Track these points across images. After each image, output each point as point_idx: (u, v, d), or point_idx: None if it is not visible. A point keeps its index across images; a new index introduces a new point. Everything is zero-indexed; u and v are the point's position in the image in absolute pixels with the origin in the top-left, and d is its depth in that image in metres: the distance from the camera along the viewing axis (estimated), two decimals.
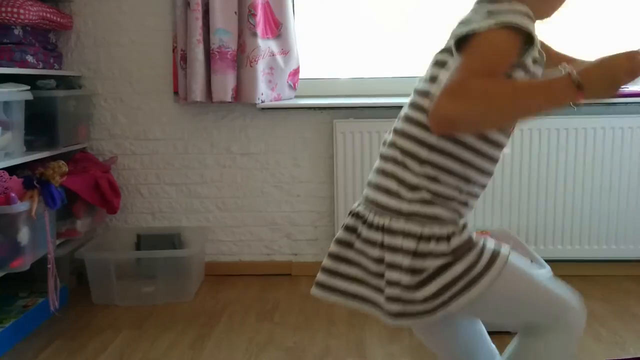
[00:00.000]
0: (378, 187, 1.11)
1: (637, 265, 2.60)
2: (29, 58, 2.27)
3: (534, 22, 1.00)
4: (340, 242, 1.15)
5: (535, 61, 1.03)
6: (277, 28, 2.49)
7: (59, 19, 2.42)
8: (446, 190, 1.06)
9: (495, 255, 1.05)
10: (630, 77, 0.95)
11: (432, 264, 1.03)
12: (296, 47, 2.56)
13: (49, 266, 2.10)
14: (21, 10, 2.14)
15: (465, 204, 1.10)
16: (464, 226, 1.08)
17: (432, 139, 1.04)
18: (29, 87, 2.15)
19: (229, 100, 2.44)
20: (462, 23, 1.03)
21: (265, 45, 2.46)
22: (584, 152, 2.50)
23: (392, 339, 2.06)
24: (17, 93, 2.10)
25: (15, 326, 2.06)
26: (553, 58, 1.21)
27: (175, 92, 2.54)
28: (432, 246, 1.03)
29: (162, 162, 2.68)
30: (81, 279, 2.53)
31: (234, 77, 2.44)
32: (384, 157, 1.13)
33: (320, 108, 2.58)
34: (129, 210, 2.71)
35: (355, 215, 1.13)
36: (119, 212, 2.58)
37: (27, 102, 2.14)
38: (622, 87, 0.98)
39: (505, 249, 1.06)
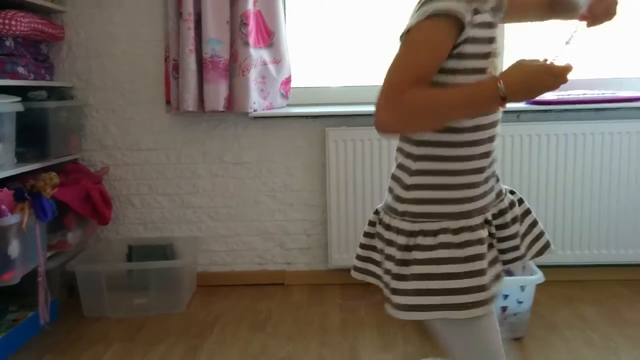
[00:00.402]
0: (389, 189, 1.18)
1: (628, 270, 2.61)
2: (20, 69, 2.26)
3: None
4: (366, 234, 1.25)
5: (486, 24, 1.04)
6: (269, 37, 2.50)
7: (50, 30, 2.41)
8: (436, 190, 1.10)
9: (488, 300, 1.07)
10: (550, 91, 1.01)
11: (417, 255, 1.08)
12: (288, 56, 2.56)
13: (39, 279, 2.08)
14: (12, 22, 2.13)
15: (469, 199, 1.10)
16: (472, 228, 1.08)
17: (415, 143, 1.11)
18: (20, 99, 2.14)
19: (222, 109, 2.44)
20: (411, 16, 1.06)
21: (258, 54, 2.46)
22: (574, 157, 2.52)
23: (386, 348, 2.05)
24: (8, 104, 2.09)
25: (5, 340, 2.04)
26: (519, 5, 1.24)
27: (168, 102, 2.54)
28: (419, 240, 1.09)
29: (154, 172, 2.68)
30: (72, 291, 2.51)
31: (226, 87, 2.44)
32: (395, 161, 1.19)
33: (313, 116, 2.58)
34: (120, 221, 2.70)
35: (375, 212, 1.23)
36: (110, 223, 2.56)
37: (18, 113, 2.13)
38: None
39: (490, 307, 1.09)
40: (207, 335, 2.21)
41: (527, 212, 1.25)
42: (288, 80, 2.59)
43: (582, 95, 2.47)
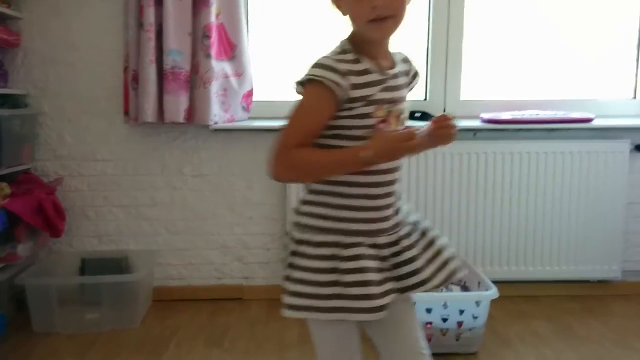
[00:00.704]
0: None
1: (580, 286, 2.70)
2: None
3: (344, 62, 1.16)
4: None
5: (366, 84, 1.18)
6: (232, 50, 2.50)
7: (5, 37, 2.36)
8: (317, 208, 1.24)
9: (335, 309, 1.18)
10: (409, 153, 1.14)
11: (297, 261, 1.21)
12: (250, 69, 2.56)
13: None
14: None
15: (350, 219, 1.21)
16: (350, 245, 1.19)
17: None
18: None
19: (182, 121, 2.42)
20: None
21: (219, 66, 2.46)
22: (527, 175, 2.60)
23: None
24: None
25: None
26: None
27: (126, 113, 2.49)
28: (302, 248, 1.21)
29: (110, 183, 2.62)
30: (21, 305, 2.41)
31: (187, 98, 2.43)
32: None
33: (274, 130, 2.57)
34: (74, 234, 2.63)
35: None
36: (63, 236, 2.49)
37: None
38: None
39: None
40: (162, 351, 2.16)
41: (432, 242, 1.31)
42: (250, 93, 2.59)
43: (536, 116, 2.55)
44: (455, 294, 2.24)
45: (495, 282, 2.17)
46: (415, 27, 2.71)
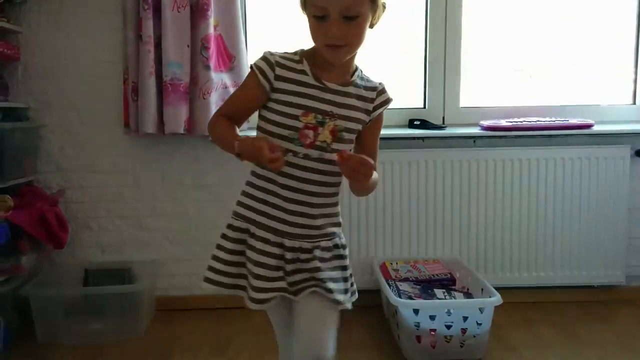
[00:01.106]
0: None
1: (584, 291, 2.69)
2: None
3: (279, 57, 1.34)
4: None
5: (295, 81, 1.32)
6: (230, 61, 2.51)
7: (5, 50, 2.37)
8: (242, 197, 1.41)
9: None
10: (258, 160, 1.23)
11: (219, 241, 1.39)
12: None
13: None
14: None
15: (261, 212, 1.35)
16: (258, 238, 1.33)
17: None
18: None
19: (182, 132, 2.43)
20: None
21: (218, 77, 2.47)
22: (528, 182, 2.60)
23: None
24: None
25: None
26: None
27: (126, 124, 2.51)
28: (225, 230, 1.39)
29: (112, 195, 2.63)
30: (25, 317, 2.42)
31: (187, 109, 2.44)
32: None
33: None
34: (76, 245, 2.64)
35: None
36: (66, 247, 2.49)
37: None
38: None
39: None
40: (170, 359, 2.17)
41: (318, 269, 1.35)
42: None
43: (535, 122, 2.55)
44: (458, 301, 2.24)
45: (498, 289, 2.17)
46: (413, 34, 2.71)
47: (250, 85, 1.35)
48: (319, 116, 1.30)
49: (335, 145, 1.31)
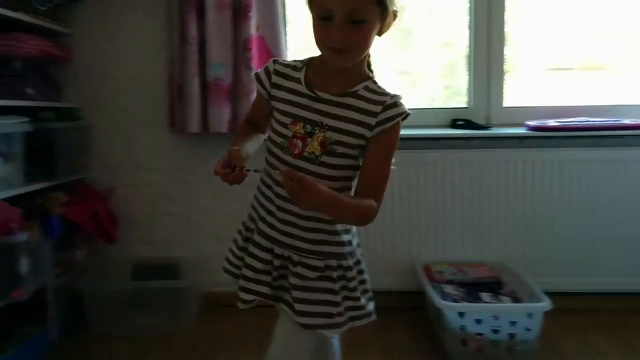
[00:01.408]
0: None
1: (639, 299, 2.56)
2: (29, 90, 2.30)
3: (279, 65, 1.35)
4: None
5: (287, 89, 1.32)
6: None
7: (58, 52, 2.45)
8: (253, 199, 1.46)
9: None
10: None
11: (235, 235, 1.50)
12: None
13: (48, 296, 2.10)
14: (21, 44, 2.18)
15: (258, 218, 1.41)
16: (254, 243, 1.40)
17: None
18: (28, 119, 2.17)
19: (225, 131, 2.47)
20: None
21: None
22: (578, 184, 2.51)
23: None
24: (18, 125, 2.12)
25: (14, 357, 2.05)
26: None
27: (172, 124, 2.57)
28: (239, 226, 1.49)
29: (159, 192, 2.70)
30: (80, 308, 2.51)
31: (230, 109, 2.48)
32: None
33: None
34: (125, 241, 2.71)
35: None
36: (116, 242, 2.58)
37: (27, 133, 2.16)
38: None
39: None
40: (215, 355, 2.22)
41: (293, 286, 1.36)
42: None
43: (585, 122, 2.47)
44: (505, 305, 2.18)
45: (550, 294, 2.10)
46: (457, 34, 2.68)
47: (257, 94, 1.40)
48: (308, 126, 1.26)
49: (325, 158, 1.25)
